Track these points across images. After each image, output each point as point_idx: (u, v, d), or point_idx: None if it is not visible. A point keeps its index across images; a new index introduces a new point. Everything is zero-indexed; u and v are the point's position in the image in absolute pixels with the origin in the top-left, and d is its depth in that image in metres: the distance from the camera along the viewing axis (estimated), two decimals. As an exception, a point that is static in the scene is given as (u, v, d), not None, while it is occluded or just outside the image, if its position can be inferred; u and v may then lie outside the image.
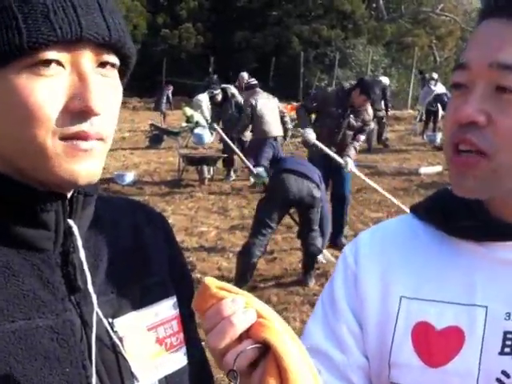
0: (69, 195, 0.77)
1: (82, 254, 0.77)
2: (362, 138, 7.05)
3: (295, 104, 17.66)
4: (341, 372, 0.96)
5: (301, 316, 5.03)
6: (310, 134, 6.62)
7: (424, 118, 16.03)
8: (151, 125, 16.13)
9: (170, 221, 8.00)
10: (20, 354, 0.70)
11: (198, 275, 6.07)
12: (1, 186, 0.73)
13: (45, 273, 0.75)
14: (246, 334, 0.71)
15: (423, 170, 11.36)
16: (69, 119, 0.70)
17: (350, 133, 6.77)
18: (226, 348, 0.71)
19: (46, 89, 0.69)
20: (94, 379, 0.75)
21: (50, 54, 0.68)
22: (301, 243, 5.94)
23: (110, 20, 0.72)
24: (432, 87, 15.40)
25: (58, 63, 0.69)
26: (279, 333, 0.72)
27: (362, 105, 6.63)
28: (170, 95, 18.24)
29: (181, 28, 29.84)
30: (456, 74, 0.88)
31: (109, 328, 0.79)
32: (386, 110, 14.98)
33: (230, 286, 0.74)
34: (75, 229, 0.77)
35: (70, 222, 0.77)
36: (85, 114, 0.70)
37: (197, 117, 15.71)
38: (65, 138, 0.70)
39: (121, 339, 0.80)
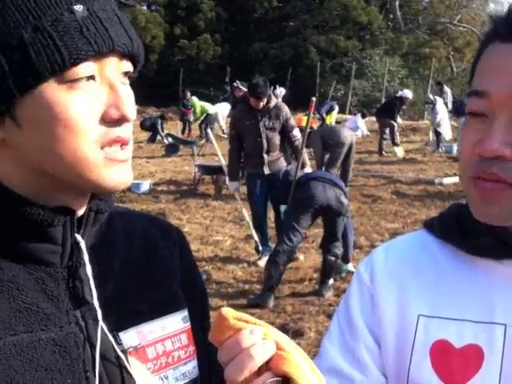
0: (80, 212, 0.79)
1: (89, 268, 0.78)
2: (296, 132, 6.71)
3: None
4: None
5: (316, 326, 5.01)
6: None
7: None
8: (167, 134, 16.25)
9: (185, 229, 8.04)
10: (21, 366, 0.71)
11: (214, 284, 6.07)
12: (9, 202, 0.74)
13: (49, 286, 0.76)
14: (266, 366, 0.70)
15: (445, 180, 11.28)
16: (106, 128, 0.73)
17: (274, 133, 6.53)
18: (245, 381, 0.70)
19: (82, 101, 0.72)
20: None
21: (87, 69, 0.72)
22: (322, 252, 5.91)
23: (130, 31, 0.76)
24: (437, 109, 15.21)
25: (90, 75, 0.72)
26: (299, 365, 0.71)
27: (258, 105, 6.44)
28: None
29: (199, 39, 30.04)
30: (472, 101, 0.85)
31: (113, 341, 0.79)
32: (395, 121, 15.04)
33: (247, 316, 0.73)
34: (83, 244, 0.78)
35: (78, 236, 0.78)
36: (120, 121, 0.74)
37: (206, 107, 16.19)
38: (103, 145, 0.74)
39: (125, 352, 0.80)
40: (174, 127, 18.62)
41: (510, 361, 0.85)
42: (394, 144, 14.80)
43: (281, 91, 16.26)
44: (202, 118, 17.42)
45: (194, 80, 27.49)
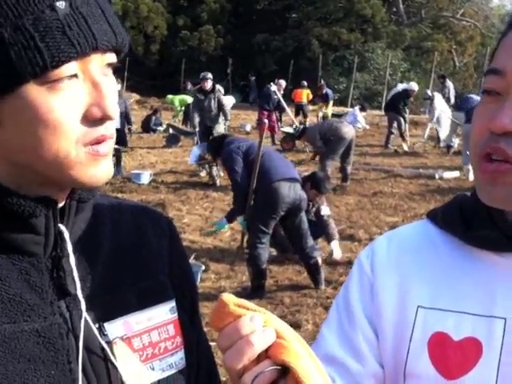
0: (62, 202, 0.78)
1: (72, 259, 0.78)
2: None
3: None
4: (356, 381, 0.94)
5: (313, 318, 5.03)
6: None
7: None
8: (168, 125, 16.24)
9: (184, 220, 8.06)
10: (3, 357, 0.70)
11: (212, 276, 6.09)
12: None
13: (33, 277, 0.75)
14: (265, 354, 0.70)
15: (445, 174, 11.29)
16: (88, 126, 0.72)
17: None
18: (243, 368, 0.69)
19: (64, 102, 0.70)
20: (80, 382, 0.76)
21: (69, 69, 0.69)
22: (299, 257, 5.92)
23: (114, 25, 0.74)
24: (435, 104, 15.07)
25: (72, 75, 0.71)
26: (299, 355, 0.70)
27: (314, 199, 6.48)
28: None
29: (201, 30, 29.94)
30: (489, 79, 0.85)
31: (97, 333, 0.78)
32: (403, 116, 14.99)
33: (247, 302, 0.72)
34: (66, 234, 0.77)
35: (62, 226, 0.77)
36: (102, 120, 0.73)
37: (185, 98, 16.24)
38: (86, 144, 0.72)
39: (110, 343, 0.79)
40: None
41: (509, 355, 0.84)
42: (402, 138, 14.71)
43: (280, 83, 16.24)
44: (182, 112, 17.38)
45: (196, 71, 27.35)
